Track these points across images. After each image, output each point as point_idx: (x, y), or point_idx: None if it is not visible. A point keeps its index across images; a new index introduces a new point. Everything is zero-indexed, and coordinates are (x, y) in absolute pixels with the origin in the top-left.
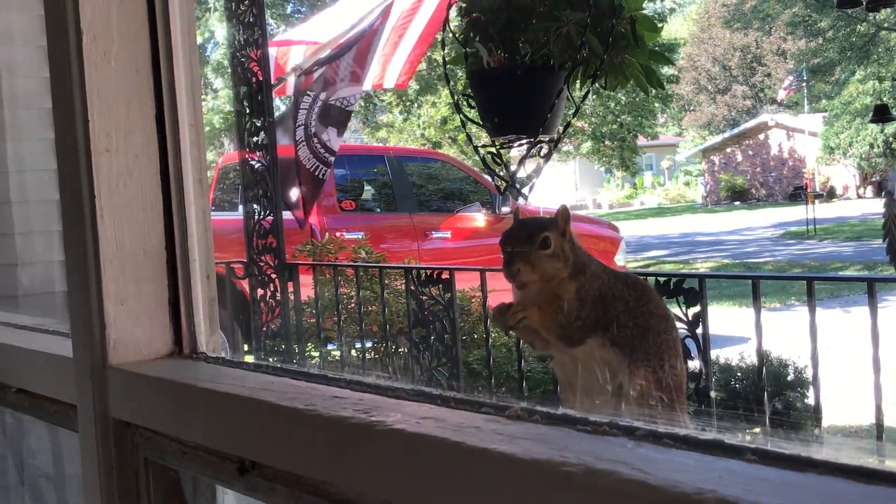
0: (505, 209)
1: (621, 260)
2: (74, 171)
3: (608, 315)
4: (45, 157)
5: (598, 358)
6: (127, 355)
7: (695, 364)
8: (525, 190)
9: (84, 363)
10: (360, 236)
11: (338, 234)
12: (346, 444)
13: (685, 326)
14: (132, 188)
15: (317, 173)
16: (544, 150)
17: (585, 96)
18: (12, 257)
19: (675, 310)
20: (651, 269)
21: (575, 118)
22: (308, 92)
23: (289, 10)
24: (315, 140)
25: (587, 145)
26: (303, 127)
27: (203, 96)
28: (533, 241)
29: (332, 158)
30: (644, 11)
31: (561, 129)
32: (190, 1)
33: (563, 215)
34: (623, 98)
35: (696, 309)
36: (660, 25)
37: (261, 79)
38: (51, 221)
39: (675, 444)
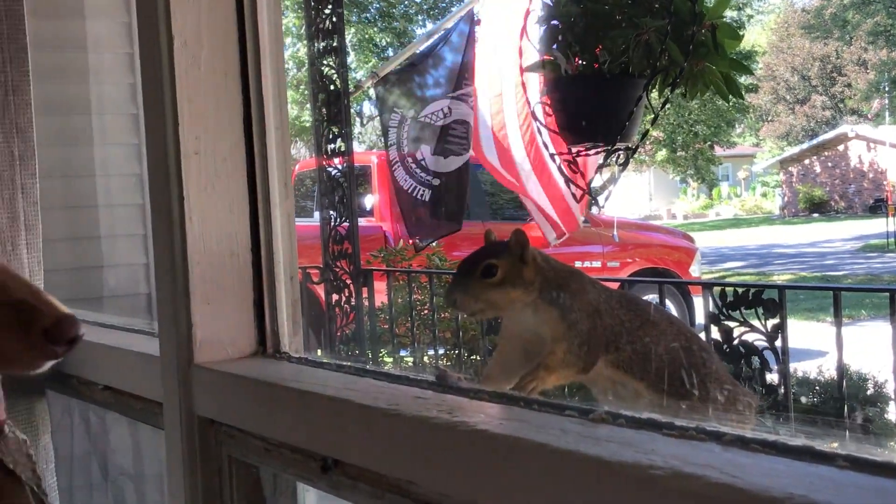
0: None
1: (696, 271)
2: (164, 174)
3: (608, 333)
4: (129, 162)
5: (611, 379)
6: (212, 354)
7: (773, 377)
8: (600, 199)
9: (171, 361)
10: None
11: (410, 241)
12: (429, 443)
13: (763, 338)
14: (220, 191)
15: (415, 194)
16: (621, 159)
17: (665, 104)
18: (98, 259)
19: (754, 321)
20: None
21: (653, 126)
22: (395, 109)
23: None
24: (410, 160)
25: (662, 154)
26: (395, 147)
27: None
28: (474, 270)
29: (434, 180)
30: (724, 19)
31: (638, 137)
32: (277, 7)
33: (519, 241)
34: (699, 107)
35: (776, 320)
36: (740, 33)
37: (339, 86)
38: (135, 224)
39: (763, 449)
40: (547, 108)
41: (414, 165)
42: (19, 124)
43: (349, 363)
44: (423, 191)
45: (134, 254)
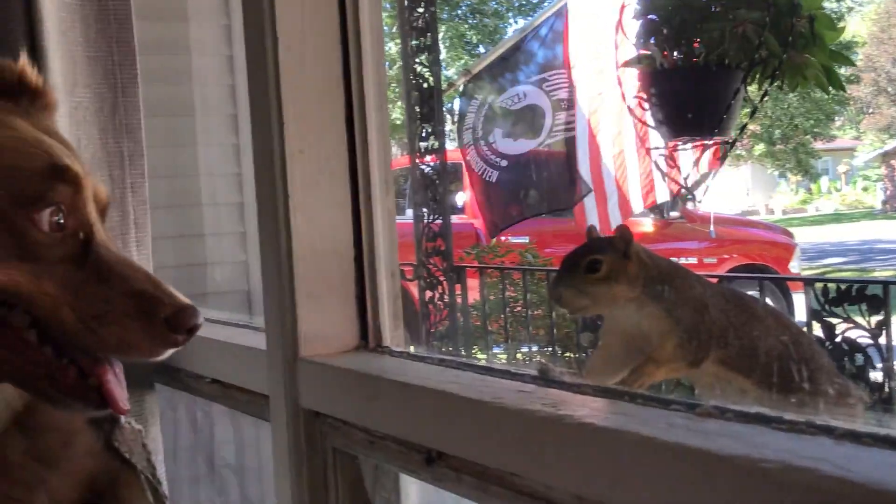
0: (674, 213)
1: (796, 267)
2: (270, 173)
3: (716, 328)
4: (229, 162)
5: (716, 376)
6: (316, 348)
7: (876, 374)
8: (697, 193)
9: (277, 355)
10: (525, 241)
11: (503, 238)
12: (534, 436)
13: (867, 334)
14: (323, 188)
15: (484, 176)
16: (719, 153)
17: (763, 97)
18: (203, 257)
19: (857, 318)
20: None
21: (751, 120)
22: (476, 95)
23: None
24: (482, 143)
25: (760, 148)
26: (470, 130)
27: None
28: (578, 266)
29: (501, 161)
30: (822, 10)
31: (736, 130)
32: (378, 7)
33: (623, 236)
34: (798, 100)
35: (879, 317)
36: (840, 25)
37: (432, 84)
38: (235, 223)
39: (875, 443)
40: (643, 103)
41: (486, 148)
42: (129, 125)
43: (451, 357)
44: (491, 172)
45: (235, 251)
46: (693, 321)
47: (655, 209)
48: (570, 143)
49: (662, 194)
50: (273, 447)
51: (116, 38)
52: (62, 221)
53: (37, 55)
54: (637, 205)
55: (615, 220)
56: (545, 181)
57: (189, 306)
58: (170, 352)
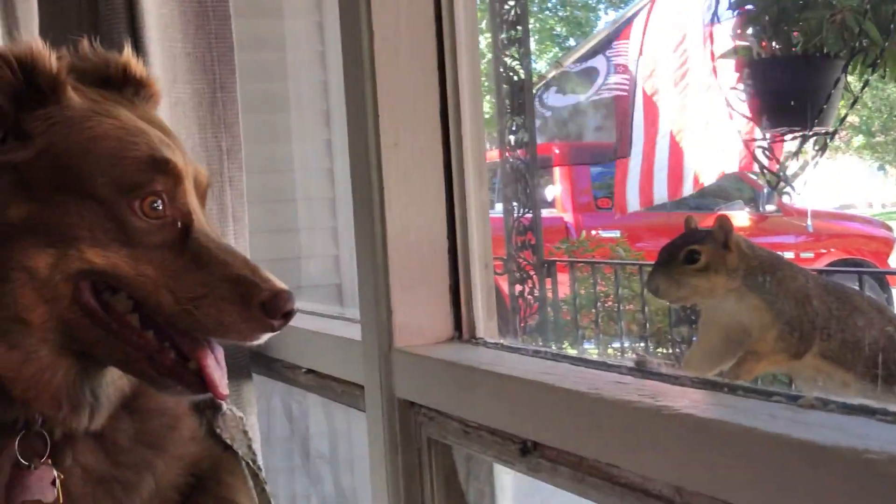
0: (770, 207)
1: (895, 261)
2: (365, 165)
3: (819, 320)
4: (321, 157)
5: (816, 369)
6: (411, 339)
7: None
8: (794, 186)
9: (372, 345)
10: (616, 235)
11: (593, 232)
12: (632, 427)
13: None
14: (417, 181)
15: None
16: (818, 144)
17: (864, 86)
18: (297, 251)
19: None
20: None
21: (851, 110)
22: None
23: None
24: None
25: (859, 140)
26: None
27: None
28: (676, 256)
29: (546, 112)
30: None
31: (836, 121)
32: (473, 4)
33: (723, 227)
34: None
35: None
36: None
37: (522, 77)
38: (327, 217)
39: None
40: (740, 94)
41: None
42: (227, 119)
43: (545, 349)
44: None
45: (327, 245)
46: (795, 313)
47: (750, 202)
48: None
49: (709, 177)
50: (368, 437)
51: (215, 34)
52: (161, 209)
53: (139, 51)
54: (687, 187)
55: (660, 195)
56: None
57: (285, 291)
58: (266, 336)
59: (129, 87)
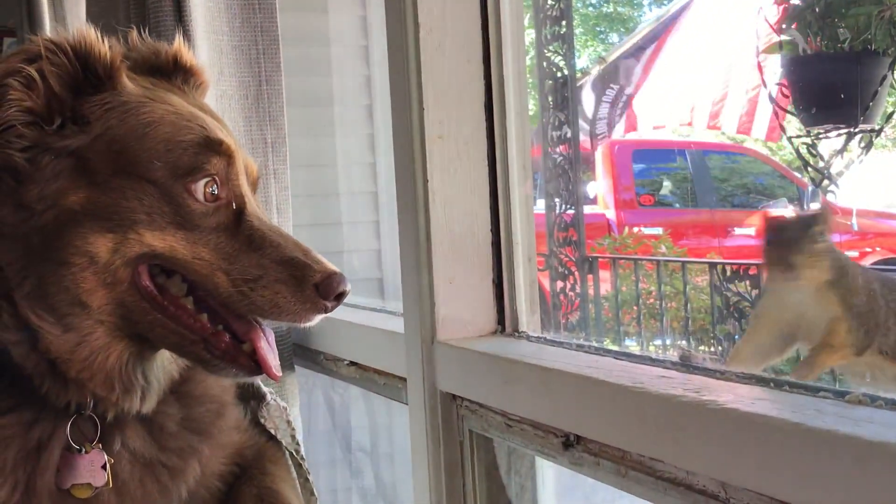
0: (814, 205)
1: None
2: (409, 158)
3: (881, 316)
4: (364, 152)
5: (871, 364)
6: (454, 332)
7: None
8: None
9: (414, 338)
10: (658, 232)
11: (636, 229)
12: (676, 421)
13: None
14: (462, 173)
15: None
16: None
17: None
18: (339, 244)
19: None
20: None
21: None
22: (612, 85)
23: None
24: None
25: None
26: (605, 121)
27: None
28: (806, 234)
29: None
30: None
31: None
32: None
33: (827, 217)
34: None
35: None
36: None
37: (565, 73)
38: (370, 212)
39: None
40: (784, 90)
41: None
42: (272, 113)
43: (588, 343)
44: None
45: (369, 239)
46: (863, 308)
47: (794, 201)
48: None
49: None
50: (410, 428)
51: (261, 28)
52: (216, 192)
53: (186, 44)
54: None
55: None
56: None
57: (338, 273)
58: (319, 317)
59: (179, 75)
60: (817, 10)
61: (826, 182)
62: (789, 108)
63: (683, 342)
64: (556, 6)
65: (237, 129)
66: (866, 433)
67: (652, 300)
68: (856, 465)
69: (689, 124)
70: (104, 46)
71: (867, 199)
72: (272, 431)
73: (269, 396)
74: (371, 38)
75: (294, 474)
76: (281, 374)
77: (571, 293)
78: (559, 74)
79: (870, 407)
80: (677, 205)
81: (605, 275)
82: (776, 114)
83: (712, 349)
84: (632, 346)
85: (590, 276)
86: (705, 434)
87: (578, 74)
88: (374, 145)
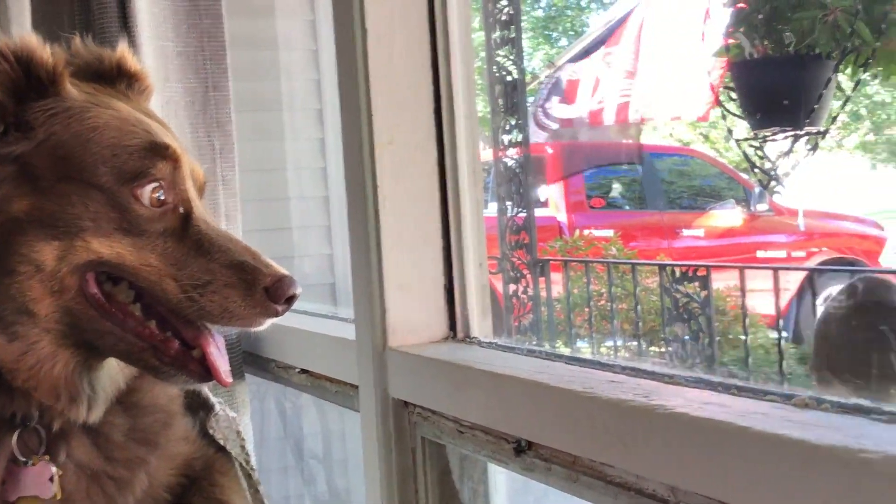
0: (762, 206)
1: (887, 260)
2: (359, 163)
3: None
4: (314, 156)
5: None
6: (405, 338)
7: None
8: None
9: (366, 345)
10: (609, 234)
11: (587, 231)
12: (626, 426)
13: None
14: (412, 179)
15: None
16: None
17: (857, 86)
18: (290, 249)
19: None
20: None
21: (843, 110)
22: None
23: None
24: (540, 111)
25: (852, 139)
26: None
27: None
28: None
29: (553, 125)
30: None
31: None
32: (466, 3)
33: None
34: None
35: None
36: None
37: (515, 77)
38: (321, 216)
39: None
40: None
41: (541, 113)
42: (219, 118)
43: (539, 348)
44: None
45: (320, 244)
46: None
47: (741, 202)
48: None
49: None
50: (362, 435)
51: (207, 33)
52: (163, 197)
53: (131, 50)
54: None
55: None
56: None
57: (288, 276)
58: (269, 322)
59: (123, 81)
60: (764, 13)
61: (773, 183)
62: (735, 110)
63: (634, 344)
64: (506, 10)
65: (184, 136)
66: (812, 437)
67: (603, 302)
68: (802, 468)
69: (642, 122)
70: (46, 52)
71: (813, 200)
72: (221, 442)
73: (217, 407)
74: (320, 43)
75: (244, 485)
76: (231, 381)
77: (524, 296)
78: (509, 78)
79: (816, 410)
80: (627, 207)
81: (556, 277)
82: (724, 117)
83: (662, 350)
84: (584, 347)
85: (542, 279)
86: (654, 439)
87: (529, 78)
88: (324, 149)
